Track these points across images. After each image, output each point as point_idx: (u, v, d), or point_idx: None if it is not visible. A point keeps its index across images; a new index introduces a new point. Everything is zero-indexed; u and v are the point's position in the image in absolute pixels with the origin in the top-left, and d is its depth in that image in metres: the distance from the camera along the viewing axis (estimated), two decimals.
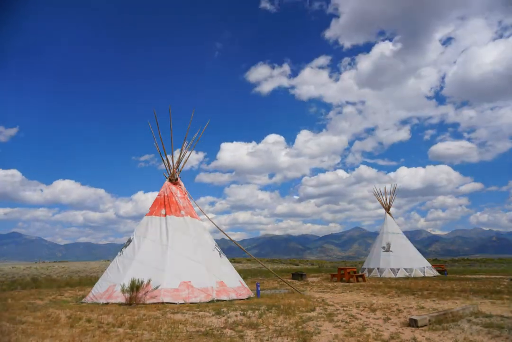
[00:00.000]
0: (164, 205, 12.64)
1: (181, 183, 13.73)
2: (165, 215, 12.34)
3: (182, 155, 13.80)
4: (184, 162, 13.95)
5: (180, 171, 13.88)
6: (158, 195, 13.23)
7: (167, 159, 13.60)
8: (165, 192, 13.10)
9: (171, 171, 13.69)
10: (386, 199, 25.25)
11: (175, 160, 13.73)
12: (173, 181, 13.59)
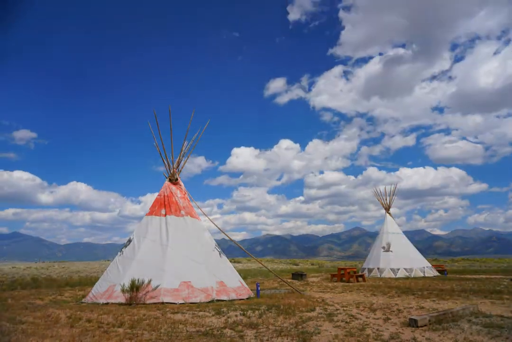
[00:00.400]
0: (164, 205, 12.65)
1: (181, 183, 13.74)
2: (165, 215, 12.35)
3: (182, 155, 13.82)
4: (184, 163, 13.98)
5: (180, 171, 13.89)
6: (158, 195, 13.23)
7: (167, 159, 13.62)
8: (165, 192, 13.10)
9: (171, 171, 13.70)
10: (386, 199, 25.33)
11: (175, 160, 13.75)
12: (173, 181, 13.59)
